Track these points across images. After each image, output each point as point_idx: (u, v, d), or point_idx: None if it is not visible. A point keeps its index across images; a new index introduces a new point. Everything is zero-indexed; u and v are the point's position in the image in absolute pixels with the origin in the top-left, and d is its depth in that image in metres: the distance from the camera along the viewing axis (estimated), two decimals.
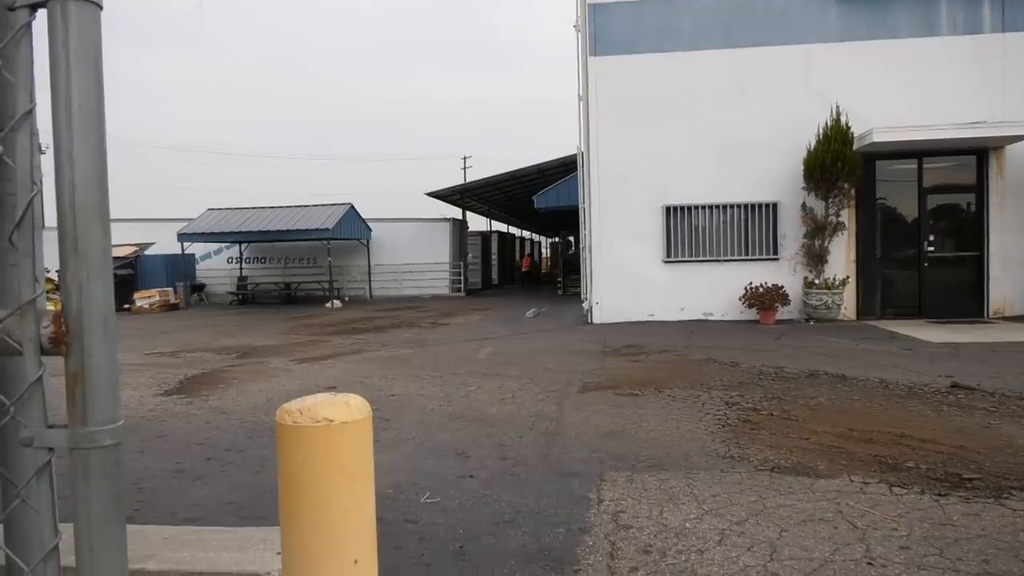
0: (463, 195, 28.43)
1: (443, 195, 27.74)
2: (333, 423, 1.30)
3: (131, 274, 22.76)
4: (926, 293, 13.12)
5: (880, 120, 12.47)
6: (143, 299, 21.42)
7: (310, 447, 1.29)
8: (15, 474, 0.99)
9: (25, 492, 0.97)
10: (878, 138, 12.16)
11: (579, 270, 17.70)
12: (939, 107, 12.67)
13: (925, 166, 13.14)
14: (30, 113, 0.96)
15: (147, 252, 24.09)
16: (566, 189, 20.04)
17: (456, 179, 51.76)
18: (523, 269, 38.51)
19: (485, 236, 31.91)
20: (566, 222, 26.20)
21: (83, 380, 0.91)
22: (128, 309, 21.17)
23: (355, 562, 1.32)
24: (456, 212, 29.48)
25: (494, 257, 32.91)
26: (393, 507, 4.13)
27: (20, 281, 0.96)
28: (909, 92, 12.93)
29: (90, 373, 0.91)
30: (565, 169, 21.27)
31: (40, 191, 0.98)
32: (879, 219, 13.40)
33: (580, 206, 15.36)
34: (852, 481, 4.32)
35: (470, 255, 28.59)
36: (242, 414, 6.72)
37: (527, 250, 45.07)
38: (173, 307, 22.20)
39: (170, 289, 22.73)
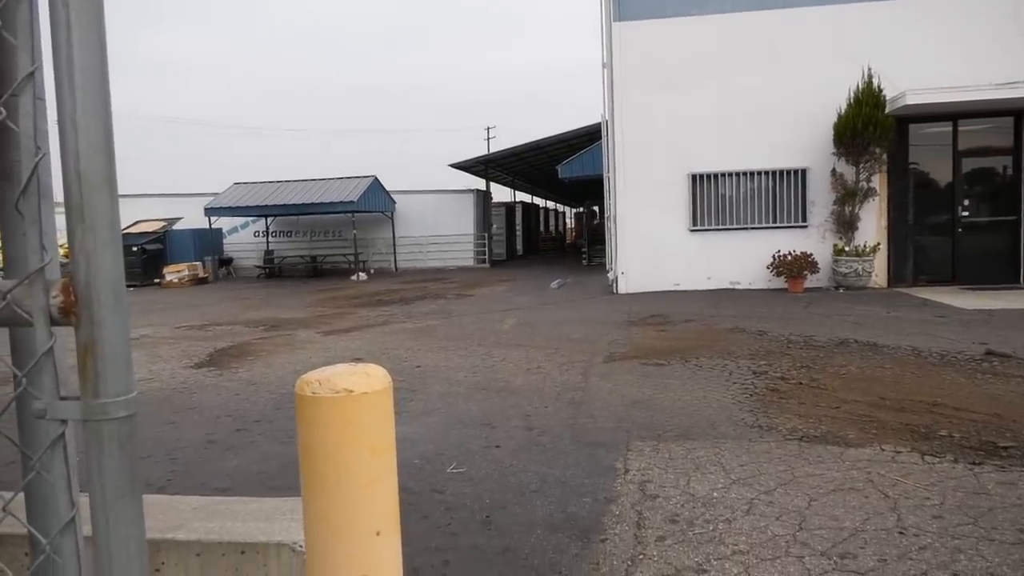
0: (487, 166, 28.28)
1: (467, 166, 27.63)
2: (353, 394, 1.28)
3: (160, 248, 23.06)
4: (960, 259, 12.82)
5: (913, 82, 12.11)
6: (173, 273, 21.69)
7: (329, 418, 1.27)
8: (30, 446, 0.98)
9: (40, 464, 0.96)
10: (911, 100, 11.82)
11: (604, 240, 17.58)
12: (975, 67, 12.25)
13: (960, 129, 12.77)
14: (32, 75, 0.94)
15: (175, 227, 24.36)
16: (590, 158, 19.84)
17: (479, 150, 51.48)
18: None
19: (509, 207, 31.79)
20: (591, 192, 25.99)
21: (94, 351, 0.89)
22: (158, 283, 21.47)
23: (377, 534, 1.30)
24: (480, 183, 29.36)
25: (518, 228, 32.79)
26: (420, 477, 4.16)
27: (28, 250, 0.94)
28: (944, 52, 12.51)
29: (101, 344, 0.89)
30: (589, 138, 21.04)
31: (46, 156, 0.96)
32: (911, 184, 13.09)
33: (605, 175, 15.19)
34: (883, 450, 4.26)
35: (494, 226, 28.51)
36: (270, 386, 6.80)
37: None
38: (202, 281, 22.47)
39: (199, 263, 22.99)
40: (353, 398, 1.28)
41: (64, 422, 0.95)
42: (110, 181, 0.91)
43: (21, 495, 1.02)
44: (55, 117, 0.95)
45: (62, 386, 0.98)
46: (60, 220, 1.10)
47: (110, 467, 0.90)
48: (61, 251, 1.40)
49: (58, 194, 0.99)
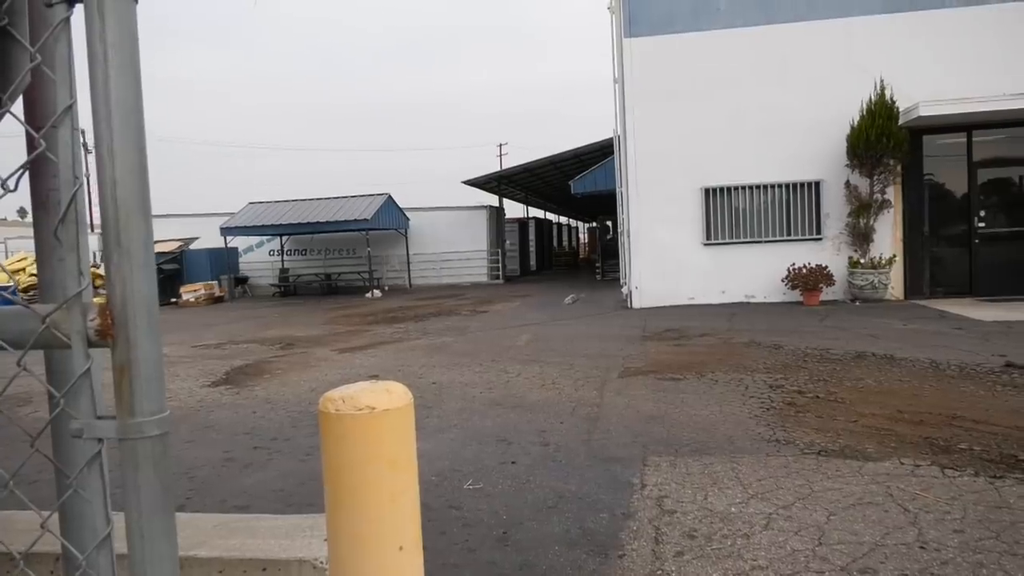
0: (500, 182, 28.40)
1: (480, 183, 27.76)
2: (375, 411, 1.30)
3: (177, 268, 23.25)
4: (977, 270, 12.72)
5: (926, 93, 12.09)
6: (189, 293, 21.87)
7: (352, 435, 1.30)
8: (67, 464, 1.01)
9: (77, 482, 1.00)
10: (925, 112, 11.79)
11: (617, 255, 17.58)
12: (989, 78, 12.20)
13: (975, 139, 12.71)
14: (70, 108, 0.98)
15: (192, 247, 24.58)
16: (603, 173, 19.89)
17: (492, 166, 51.75)
18: None
19: (522, 223, 31.86)
20: (604, 207, 26.00)
21: (129, 371, 0.92)
22: (175, 303, 21.64)
23: (400, 548, 1.32)
24: (493, 199, 29.48)
25: (532, 244, 32.86)
26: (437, 493, 4.17)
27: (66, 275, 0.98)
28: (957, 63, 12.48)
29: (135, 364, 0.93)
30: (602, 153, 21.09)
31: (82, 185, 1.00)
32: (926, 195, 13.02)
33: (618, 190, 15.24)
34: (902, 464, 4.23)
35: (507, 242, 28.58)
36: (287, 403, 6.83)
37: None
38: (218, 300, 22.63)
39: (215, 282, 23.16)
40: (375, 415, 1.31)
41: (101, 441, 0.99)
42: (144, 206, 0.95)
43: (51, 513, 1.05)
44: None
45: (96, 405, 1.01)
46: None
47: (145, 485, 0.93)
48: None
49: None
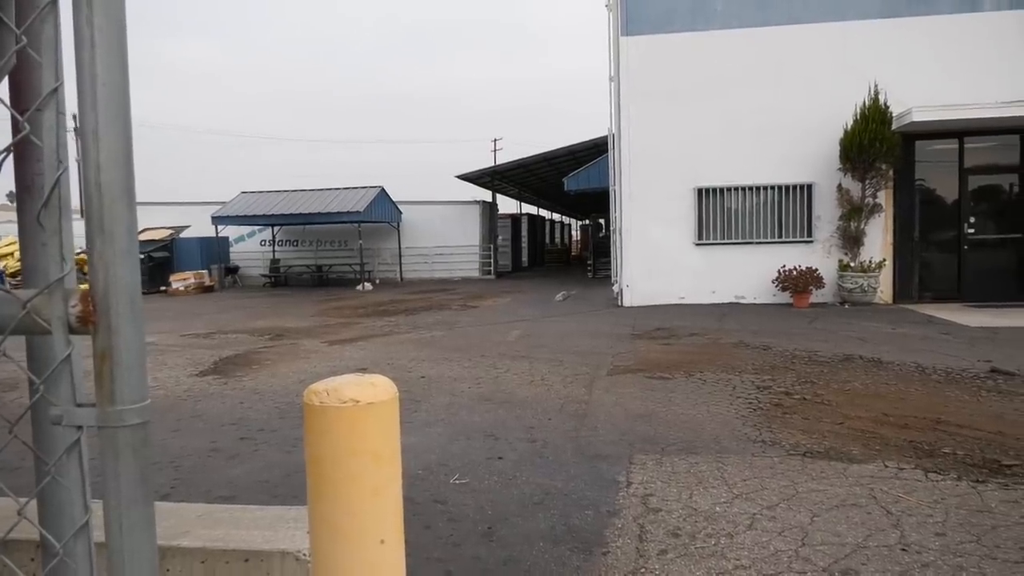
0: (493, 177, 28.33)
1: (473, 178, 27.68)
2: (359, 404, 1.30)
3: (167, 256, 23.13)
4: (965, 276, 12.80)
5: (920, 99, 12.13)
6: (179, 281, 21.77)
7: (336, 427, 1.29)
8: (46, 451, 1.00)
9: (55, 469, 0.99)
10: (918, 118, 11.84)
11: (609, 253, 17.60)
12: (982, 85, 12.26)
13: (966, 146, 12.78)
14: (56, 91, 0.97)
15: (182, 235, 24.45)
16: (597, 171, 19.89)
17: (486, 161, 51.64)
18: None
19: (515, 218, 31.83)
20: (597, 204, 26.02)
21: (110, 359, 0.92)
22: (164, 291, 21.53)
23: (381, 542, 1.32)
24: (486, 194, 29.43)
25: (524, 240, 32.84)
26: (422, 488, 4.16)
27: (48, 260, 0.97)
28: (950, 70, 12.54)
29: (117, 352, 0.92)
30: (596, 151, 21.09)
31: (67, 170, 0.98)
32: (917, 200, 13.09)
33: (611, 188, 15.24)
34: (886, 467, 4.25)
35: (500, 238, 28.55)
36: (274, 395, 6.81)
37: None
38: (208, 289, 22.52)
39: (205, 271, 23.06)
40: (360, 408, 1.30)
41: (80, 428, 0.98)
42: (129, 192, 0.94)
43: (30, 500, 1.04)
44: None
45: (76, 393, 1.00)
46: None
47: (124, 473, 0.93)
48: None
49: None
